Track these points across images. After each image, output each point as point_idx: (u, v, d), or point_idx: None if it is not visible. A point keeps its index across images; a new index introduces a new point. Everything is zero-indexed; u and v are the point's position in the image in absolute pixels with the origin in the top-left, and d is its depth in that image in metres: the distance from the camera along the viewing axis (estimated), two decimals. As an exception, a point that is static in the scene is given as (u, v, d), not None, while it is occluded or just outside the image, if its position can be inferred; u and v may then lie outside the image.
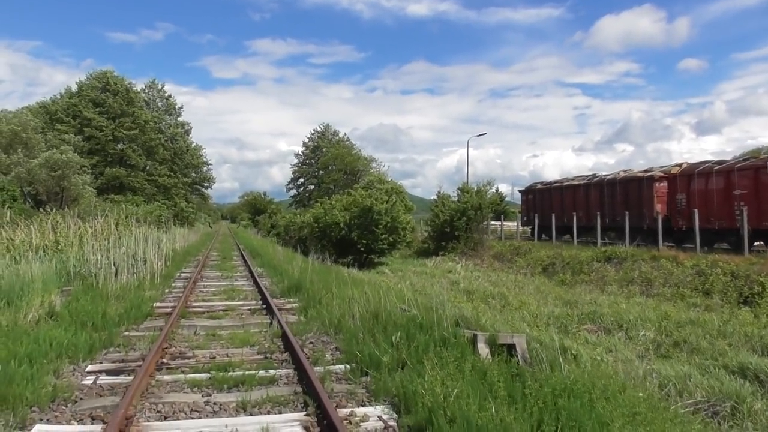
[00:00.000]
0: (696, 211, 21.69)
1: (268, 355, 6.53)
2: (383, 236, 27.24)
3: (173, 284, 13.89)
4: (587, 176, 32.65)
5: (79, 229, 17.89)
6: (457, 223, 30.65)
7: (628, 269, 21.34)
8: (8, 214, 18.80)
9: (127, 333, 7.92)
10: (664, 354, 10.87)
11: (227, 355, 6.53)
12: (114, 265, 13.10)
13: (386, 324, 7.09)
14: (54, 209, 25.73)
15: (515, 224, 38.77)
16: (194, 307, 10.39)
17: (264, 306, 10.35)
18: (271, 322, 8.40)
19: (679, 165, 26.59)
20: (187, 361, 6.29)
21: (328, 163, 71.42)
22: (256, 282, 13.84)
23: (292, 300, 10.95)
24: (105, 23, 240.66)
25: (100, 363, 6.29)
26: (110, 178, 46.82)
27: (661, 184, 25.82)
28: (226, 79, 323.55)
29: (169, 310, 9.82)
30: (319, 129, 79.33)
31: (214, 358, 6.39)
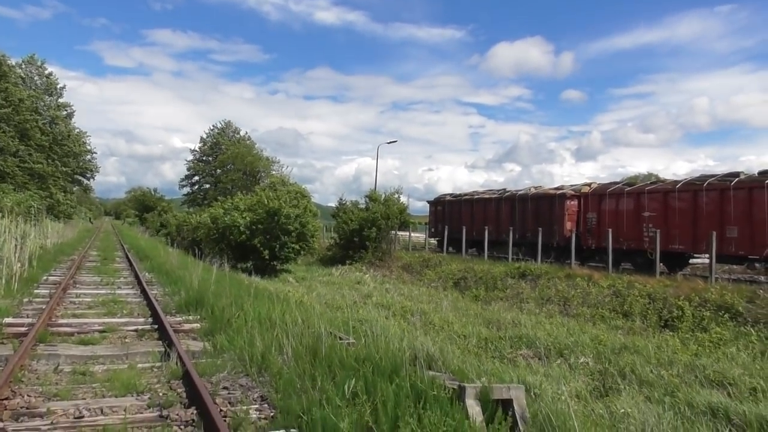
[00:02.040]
0: (610, 231, 21.65)
1: (165, 411, 4.53)
2: (291, 243, 25.17)
3: (36, 291, 11.19)
4: (498, 190, 32.46)
5: None
6: (367, 233, 29.20)
7: (543, 287, 20.83)
8: None
9: (-50, 369, 5.55)
10: (612, 386, 9.90)
11: (101, 412, 4.47)
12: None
13: (330, 363, 5.33)
14: None
15: (416, 235, 38.08)
16: (60, 325, 8.00)
17: (155, 326, 8.18)
18: (167, 353, 6.33)
19: (589, 184, 26.84)
20: (34, 424, 4.17)
21: (226, 161, 67.72)
22: (144, 291, 11.47)
23: (191, 318, 8.83)
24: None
25: None
26: (-29, 161, 40.84)
27: (572, 202, 25.87)
28: (120, 67, 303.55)
29: (23, 329, 7.41)
30: (219, 125, 75.16)
31: (81, 418, 4.31)
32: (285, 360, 5.59)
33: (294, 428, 4.18)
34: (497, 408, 4.54)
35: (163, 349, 6.67)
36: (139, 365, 5.98)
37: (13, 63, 45.89)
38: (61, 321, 8.20)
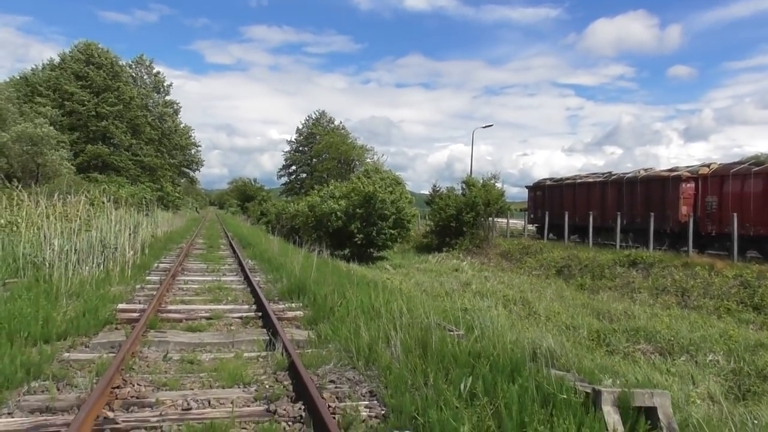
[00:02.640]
0: (735, 215, 19.67)
1: (272, 405, 4.30)
2: (388, 229, 25.03)
3: (147, 278, 11.60)
4: (603, 174, 30.59)
5: (46, 208, 15.53)
6: (465, 218, 28.50)
7: (657, 276, 19.33)
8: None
9: (68, 354, 5.66)
10: (751, 389, 8.79)
11: (209, 404, 4.30)
12: (76, 252, 10.82)
13: (442, 358, 4.90)
14: (21, 186, 23.26)
15: (513, 221, 36.75)
16: (169, 311, 8.12)
17: (259, 313, 8.11)
18: (272, 343, 6.16)
19: (707, 165, 24.59)
20: (143, 415, 4.05)
21: (321, 151, 68.91)
22: (247, 278, 11.58)
23: (294, 306, 8.71)
24: (98, 1, 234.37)
25: (5, 417, 4.04)
26: (92, 156, 44.10)
27: (688, 185, 23.81)
28: (220, 64, 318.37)
29: (136, 315, 7.57)
30: (314, 116, 76.76)
31: (189, 410, 4.15)
32: (393, 353, 5.22)
33: (408, 430, 3.80)
34: (639, 417, 3.92)
35: (268, 338, 6.52)
36: (245, 354, 5.84)
37: (124, 63, 49.02)
38: (170, 307, 8.34)
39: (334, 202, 25.45)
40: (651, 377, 6.90)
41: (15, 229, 13.24)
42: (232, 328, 7.32)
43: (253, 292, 9.84)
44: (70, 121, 43.33)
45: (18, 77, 45.32)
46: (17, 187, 19.42)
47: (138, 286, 10.30)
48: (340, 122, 76.04)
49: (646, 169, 27.80)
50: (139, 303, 8.63)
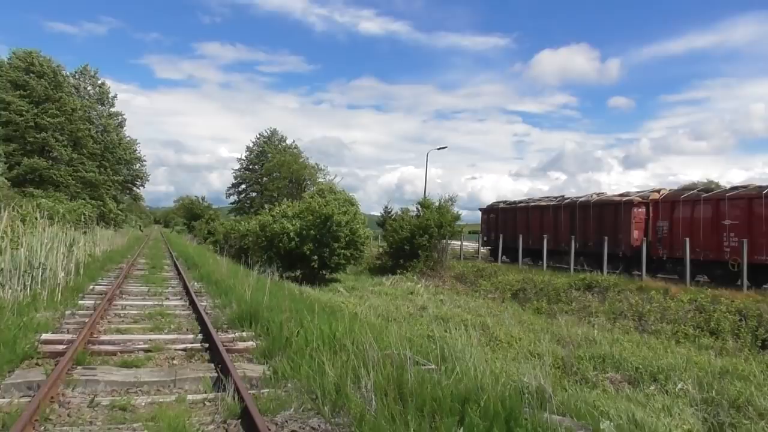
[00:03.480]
0: (687, 240, 19.91)
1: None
2: (341, 250, 24.27)
3: (80, 302, 10.48)
4: (556, 197, 30.86)
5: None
6: (419, 240, 28.05)
7: (613, 300, 19.26)
8: None
9: (-30, 400, 4.70)
10: (728, 422, 8.46)
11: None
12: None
13: (422, 402, 4.23)
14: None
15: (465, 244, 36.61)
16: (102, 342, 7.17)
17: (206, 344, 7.25)
18: (221, 382, 5.35)
19: (657, 191, 25.07)
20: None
21: (272, 169, 67.63)
22: (193, 303, 10.64)
23: (245, 335, 7.87)
24: (44, 11, 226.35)
25: None
26: (28, 170, 41.59)
27: (640, 210, 24.17)
28: (170, 79, 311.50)
29: (61, 348, 6.59)
30: (265, 134, 75.50)
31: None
32: (365, 395, 4.51)
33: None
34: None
35: (216, 375, 5.71)
36: (190, 397, 5.00)
37: (67, 73, 46.82)
38: (103, 337, 7.38)
39: (287, 222, 24.54)
40: (633, 413, 6.41)
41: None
42: (174, 362, 6.45)
43: (199, 319, 8.94)
44: (6, 132, 40.82)
45: (-51, 84, 42.55)
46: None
47: (68, 312, 9.23)
48: (293, 141, 74.97)
49: (598, 194, 28.13)
50: (67, 332, 7.63)
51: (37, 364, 6.08)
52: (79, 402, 4.74)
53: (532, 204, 31.34)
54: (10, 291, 9.34)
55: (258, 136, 76.12)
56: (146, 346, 6.99)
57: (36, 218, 17.05)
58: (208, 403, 4.86)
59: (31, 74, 42.67)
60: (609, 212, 25.51)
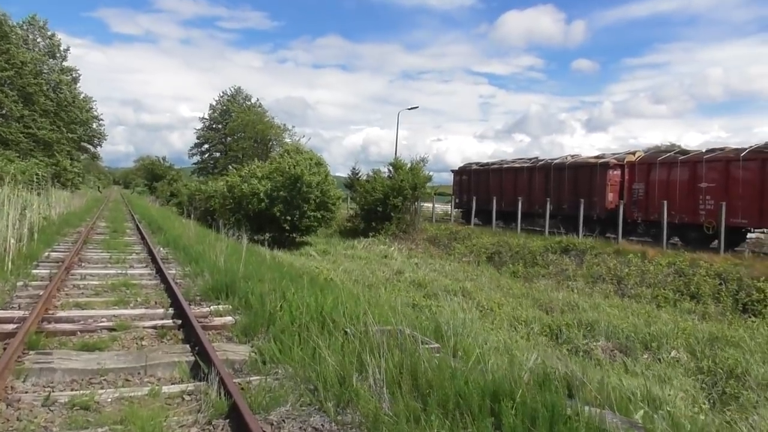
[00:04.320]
0: (665, 203, 19.77)
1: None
2: (312, 212, 23.47)
3: (34, 272, 9.52)
4: (530, 159, 30.48)
5: None
6: (392, 202, 27.40)
7: (591, 264, 19.08)
8: None
9: None
10: (726, 391, 8.19)
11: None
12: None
13: (444, 397, 3.60)
14: None
15: (435, 206, 36.15)
16: (59, 320, 6.34)
17: (179, 321, 6.49)
18: (199, 367, 4.63)
19: (633, 153, 24.87)
20: None
21: (237, 129, 65.63)
22: (160, 271, 9.80)
23: (222, 309, 7.13)
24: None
25: None
26: (-25, 127, 39.13)
27: (615, 172, 23.97)
28: (126, 34, 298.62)
29: (11, 327, 5.75)
30: (229, 92, 72.96)
31: None
32: (373, 388, 3.87)
33: None
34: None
35: (193, 359, 4.99)
36: (165, 389, 4.26)
37: (14, 24, 43.76)
38: (60, 314, 6.53)
39: (257, 183, 23.53)
40: (650, 390, 5.97)
41: None
42: (143, 343, 5.68)
43: (169, 290, 8.13)
44: (-51, 87, 38.17)
45: None
46: None
47: (20, 284, 8.29)
48: (257, 100, 72.63)
49: (573, 156, 27.83)
50: (18, 308, 6.75)
51: (-19, 347, 5.24)
52: (32, 399, 3.95)
53: (506, 166, 30.91)
54: (-49, 261, 8.35)
55: (221, 94, 73.67)
56: (110, 324, 6.19)
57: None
58: (187, 398, 4.14)
59: (-25, 24, 39.73)
60: (584, 174, 25.24)
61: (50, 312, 6.54)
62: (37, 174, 29.09)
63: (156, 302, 7.53)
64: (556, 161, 27.45)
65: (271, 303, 6.66)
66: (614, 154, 25.52)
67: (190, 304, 7.19)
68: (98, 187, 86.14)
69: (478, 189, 31.90)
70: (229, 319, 6.65)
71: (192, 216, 26.68)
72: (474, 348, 5.47)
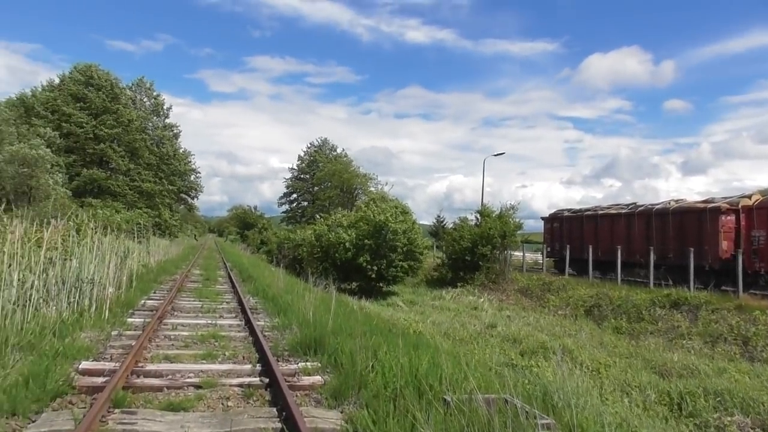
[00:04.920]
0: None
1: None
2: (399, 261, 23.05)
3: (129, 320, 9.57)
4: (627, 205, 28.77)
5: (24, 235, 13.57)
6: (480, 251, 26.52)
7: (707, 320, 17.25)
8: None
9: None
10: None
11: None
12: (45, 287, 8.88)
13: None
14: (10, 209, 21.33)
15: (519, 254, 34.72)
16: (147, 373, 6.13)
17: (266, 379, 6.10)
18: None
19: (748, 196, 22.77)
20: None
21: (323, 178, 67.30)
22: (249, 322, 9.58)
23: (310, 366, 6.69)
24: (105, 30, 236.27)
25: None
26: (87, 180, 42.29)
27: (728, 218, 21.96)
28: (223, 93, 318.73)
29: (100, 381, 5.57)
30: (316, 143, 75.37)
31: None
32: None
33: None
34: None
35: (280, 426, 4.53)
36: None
37: (124, 86, 47.58)
38: (149, 367, 6.32)
39: (343, 232, 23.52)
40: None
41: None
42: (228, 404, 5.31)
43: (257, 343, 7.83)
44: (67, 143, 41.68)
45: (15, 98, 43.76)
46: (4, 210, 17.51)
47: (115, 333, 8.29)
48: (342, 150, 74.51)
49: (677, 200, 25.98)
50: (110, 359, 6.63)
51: (70, 402, 5.06)
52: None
53: (601, 212, 29.32)
54: (54, 308, 8.49)
55: (309, 145, 76.21)
56: (197, 380, 5.89)
57: (91, 228, 16.51)
58: (274, 477, 3.66)
59: (90, 87, 43.51)
60: (691, 220, 23.36)
61: (140, 365, 6.35)
62: (139, 223, 30.75)
63: (244, 357, 7.21)
64: (657, 207, 25.69)
65: (362, 362, 6.16)
66: (725, 198, 23.51)
67: (277, 360, 6.82)
68: (194, 236, 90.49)
69: (571, 237, 30.42)
70: (317, 379, 6.18)
71: (281, 264, 27.01)
72: (592, 425, 4.67)
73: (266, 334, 8.74)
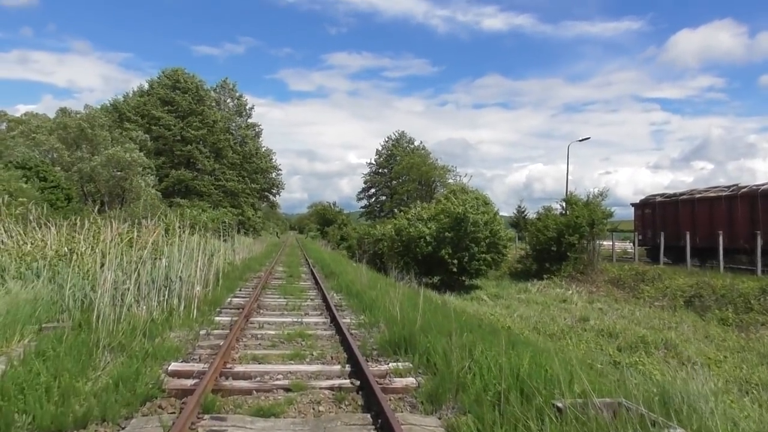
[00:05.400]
0: None
1: None
2: (481, 254, 22.41)
3: (217, 318, 9.62)
4: (728, 186, 26.65)
5: (118, 234, 14.11)
6: (568, 240, 25.37)
7: (830, 311, 15.59)
8: (34, 211, 15.12)
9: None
10: None
11: None
12: (137, 286, 9.05)
13: None
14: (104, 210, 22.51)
15: (608, 243, 32.95)
16: (236, 375, 6.00)
17: (357, 381, 5.82)
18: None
19: None
20: None
21: (402, 172, 67.05)
22: (334, 320, 9.39)
23: (401, 367, 6.36)
24: (191, 37, 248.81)
25: None
26: (176, 181, 44.18)
27: None
28: (302, 91, 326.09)
29: (190, 383, 5.47)
30: (393, 137, 75.27)
31: None
32: None
33: None
34: None
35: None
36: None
37: (208, 88, 49.29)
38: (237, 368, 6.19)
39: (423, 225, 23.12)
40: None
41: (77, 257, 11.74)
42: (320, 409, 5.05)
43: (344, 342, 7.59)
44: (157, 146, 43.70)
45: (108, 104, 46.30)
46: (95, 209, 18.40)
47: (203, 332, 8.31)
48: (420, 143, 73.98)
49: (786, 181, 23.74)
50: (199, 360, 6.58)
51: (159, 407, 4.97)
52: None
53: (698, 196, 27.35)
54: (145, 307, 8.63)
55: (386, 139, 76.18)
56: (286, 382, 5.69)
57: (179, 227, 16.99)
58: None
59: (177, 90, 45.36)
60: (806, 202, 21.28)
61: (228, 366, 6.24)
62: (224, 222, 31.68)
63: (332, 357, 6.98)
64: (763, 188, 23.61)
65: (458, 362, 5.75)
66: None
67: (367, 360, 6.54)
68: (276, 233, 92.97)
69: (664, 223, 28.59)
70: (411, 380, 5.83)
71: (362, 259, 26.99)
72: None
73: (353, 332, 8.51)
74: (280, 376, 5.93)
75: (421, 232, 23.21)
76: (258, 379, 5.88)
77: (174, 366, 6.12)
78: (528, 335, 13.47)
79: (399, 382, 5.78)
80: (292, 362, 6.64)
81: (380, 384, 5.52)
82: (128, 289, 8.39)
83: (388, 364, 6.55)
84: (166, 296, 9.66)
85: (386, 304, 9.75)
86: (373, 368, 6.18)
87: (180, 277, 10.42)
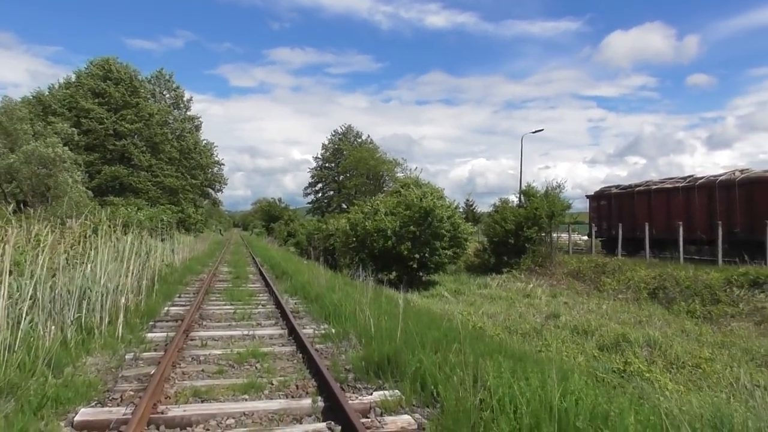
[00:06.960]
0: None
1: None
2: (444, 249, 21.25)
3: (149, 335, 7.93)
4: (684, 178, 26.51)
5: (32, 237, 12.06)
6: (526, 233, 24.56)
7: (800, 301, 15.18)
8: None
9: None
10: None
11: None
12: (50, 300, 7.29)
13: None
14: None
15: (563, 236, 32.67)
16: (169, 423, 4.43)
17: (336, 422, 4.36)
18: None
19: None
20: None
21: (349, 166, 65.54)
22: (294, 332, 7.87)
23: (389, 398, 4.93)
24: (125, 30, 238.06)
25: None
26: (109, 178, 41.13)
27: (806, 186, 19.72)
28: (243, 87, 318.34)
29: (103, 442, 3.87)
30: (340, 131, 73.56)
31: None
32: None
33: None
34: None
35: None
36: None
37: (143, 79, 46.24)
38: (172, 412, 4.60)
39: (384, 219, 21.73)
40: None
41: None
42: (291, 476, 3.58)
43: (310, 362, 6.11)
44: (87, 141, 40.47)
45: (31, 96, 42.60)
46: (9, 209, 16.12)
47: (130, 356, 6.62)
48: (368, 136, 72.53)
49: (742, 170, 23.66)
50: (120, 401, 4.95)
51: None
52: None
53: (655, 187, 27.15)
54: (53, 327, 6.83)
55: (333, 133, 74.42)
56: (242, 431, 4.18)
57: (110, 227, 14.92)
58: None
59: (109, 81, 42.21)
60: (763, 192, 21.11)
61: (159, 410, 4.64)
62: (162, 220, 29.34)
63: (297, 386, 5.47)
64: (721, 178, 23.45)
65: (465, 391, 4.40)
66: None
67: (343, 390, 5.09)
68: (220, 231, 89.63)
69: (621, 215, 28.31)
70: (406, 420, 4.42)
71: (313, 256, 25.39)
72: None
73: (318, 347, 7.03)
74: (231, 422, 4.41)
75: (382, 226, 21.78)
76: (202, 426, 4.34)
77: (83, 414, 4.48)
78: (499, 333, 12.36)
79: (392, 424, 4.36)
80: (247, 397, 5.10)
81: (369, 429, 4.10)
82: (32, 306, 6.61)
83: (371, 393, 5.12)
84: (85, 310, 7.89)
85: (352, 308, 8.32)
86: (353, 402, 4.75)
87: (106, 285, 8.65)
